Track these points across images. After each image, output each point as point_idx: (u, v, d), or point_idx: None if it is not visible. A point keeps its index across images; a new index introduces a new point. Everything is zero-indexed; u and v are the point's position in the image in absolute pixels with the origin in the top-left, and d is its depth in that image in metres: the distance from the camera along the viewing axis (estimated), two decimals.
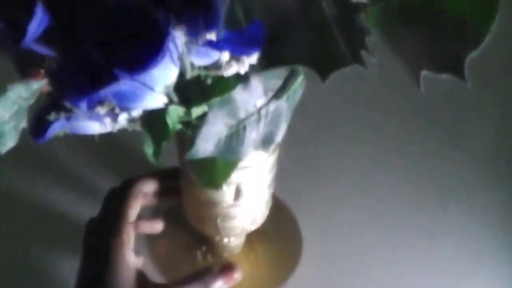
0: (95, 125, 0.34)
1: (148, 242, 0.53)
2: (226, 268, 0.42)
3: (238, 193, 0.42)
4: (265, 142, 0.34)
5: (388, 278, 0.53)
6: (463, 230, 0.57)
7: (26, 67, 0.32)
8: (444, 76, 0.23)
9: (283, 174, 0.58)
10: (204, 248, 0.53)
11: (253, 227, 0.46)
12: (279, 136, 0.35)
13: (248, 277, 0.52)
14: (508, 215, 0.58)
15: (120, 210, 0.41)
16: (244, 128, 0.33)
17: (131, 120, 0.34)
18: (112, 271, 0.37)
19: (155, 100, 0.29)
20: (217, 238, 0.49)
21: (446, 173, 0.63)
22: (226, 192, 0.42)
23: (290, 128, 0.61)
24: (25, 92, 0.32)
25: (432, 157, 0.65)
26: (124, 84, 0.25)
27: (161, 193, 0.46)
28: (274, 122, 0.34)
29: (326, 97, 0.71)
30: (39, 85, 0.32)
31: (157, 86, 0.28)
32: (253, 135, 0.34)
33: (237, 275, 0.43)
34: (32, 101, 0.33)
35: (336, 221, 0.57)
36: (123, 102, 0.28)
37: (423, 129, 0.67)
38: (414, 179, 0.62)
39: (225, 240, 0.49)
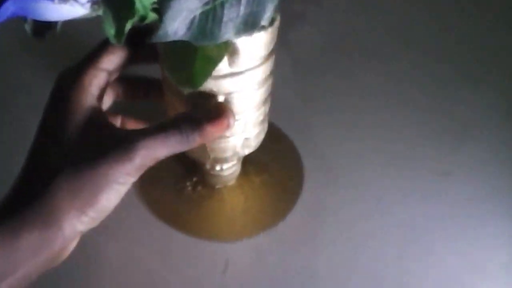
0: (49, 5, 0.29)
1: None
2: (215, 115, 0.34)
3: None
4: (248, 24, 0.29)
5: (396, 214, 0.47)
6: (480, 168, 0.51)
7: None
8: None
9: (284, 103, 0.53)
10: (194, 179, 0.48)
11: (246, 150, 0.41)
12: (265, 19, 0.29)
13: (243, 211, 0.47)
14: None
15: (89, 55, 0.35)
16: (222, 5, 0.28)
17: (94, 2, 0.30)
18: (62, 113, 0.32)
19: None
20: (208, 166, 0.45)
21: (464, 104, 0.57)
22: None
23: (292, 55, 0.55)
24: None
25: (449, 87, 0.58)
26: None
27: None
28: (258, 1, 0.28)
29: (334, 21, 0.66)
30: None
31: None
32: (233, 14, 0.28)
33: (228, 122, 0.34)
34: None
35: (341, 154, 0.52)
36: None
37: (440, 58, 0.61)
38: (427, 111, 0.56)
39: (217, 168, 0.45)
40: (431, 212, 0.47)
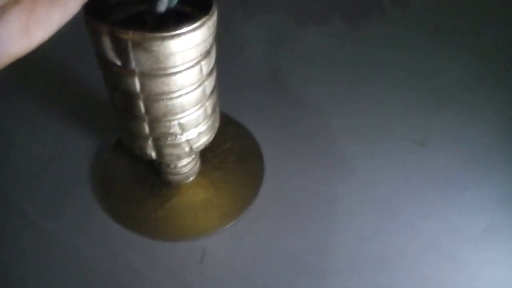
0: None
1: (91, 178, 0.48)
2: None
3: None
4: None
5: (371, 186, 0.46)
6: (458, 132, 0.49)
7: None
8: None
9: (243, 95, 0.52)
10: (150, 181, 0.47)
11: (196, 148, 0.40)
12: None
13: (207, 206, 0.46)
14: (507, 114, 0.49)
15: None
16: None
17: None
18: None
19: None
20: (163, 166, 0.44)
21: (441, 68, 0.55)
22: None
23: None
24: None
25: (425, 52, 0.56)
26: None
27: None
28: None
29: None
30: None
31: None
32: None
33: None
34: None
35: (307, 128, 0.50)
36: None
37: (416, 21, 0.59)
38: (404, 76, 0.54)
39: (171, 166, 0.44)
40: (408, 182, 0.46)
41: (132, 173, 0.48)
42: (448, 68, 0.55)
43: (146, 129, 0.37)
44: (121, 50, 0.32)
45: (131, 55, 0.32)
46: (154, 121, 0.36)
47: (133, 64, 0.32)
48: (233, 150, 0.49)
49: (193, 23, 0.32)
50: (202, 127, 0.39)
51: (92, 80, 0.54)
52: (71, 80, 0.55)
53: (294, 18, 0.62)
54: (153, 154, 0.40)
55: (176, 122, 0.37)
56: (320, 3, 0.63)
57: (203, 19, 0.32)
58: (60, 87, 0.55)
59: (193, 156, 0.44)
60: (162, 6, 0.33)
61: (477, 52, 0.56)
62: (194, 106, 0.37)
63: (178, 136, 0.38)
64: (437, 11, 0.61)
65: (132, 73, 0.33)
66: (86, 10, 0.32)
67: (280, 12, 0.63)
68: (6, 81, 0.56)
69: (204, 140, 0.40)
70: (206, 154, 0.47)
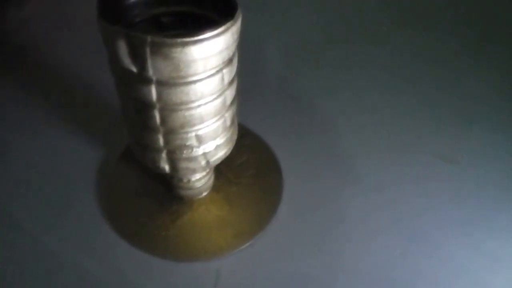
0: None
1: (96, 191, 0.45)
2: None
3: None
4: None
5: (399, 207, 0.43)
6: (490, 149, 0.47)
7: None
8: None
9: (259, 104, 0.50)
10: (160, 196, 0.44)
11: (212, 161, 0.38)
12: None
13: (221, 224, 0.43)
14: None
15: None
16: None
17: None
18: None
19: None
20: (175, 180, 0.41)
21: (472, 88, 0.52)
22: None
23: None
24: None
25: (453, 63, 0.54)
26: None
27: None
28: None
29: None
30: None
31: None
32: None
33: None
34: None
35: (331, 145, 0.48)
36: None
37: (445, 38, 0.56)
38: (435, 95, 0.51)
39: (184, 180, 0.41)
40: (437, 202, 0.43)
41: (140, 187, 0.46)
42: (477, 81, 0.52)
43: (161, 141, 0.35)
44: (138, 56, 0.29)
45: (149, 61, 0.29)
46: (170, 133, 0.34)
47: (150, 72, 0.30)
48: (250, 163, 0.46)
49: (216, 28, 0.29)
50: (220, 140, 0.37)
51: (97, 85, 0.52)
52: (75, 85, 0.53)
53: (313, 26, 0.60)
54: (167, 168, 0.37)
55: (193, 134, 0.34)
56: (341, 10, 0.61)
57: (227, 24, 0.30)
58: (62, 92, 0.53)
59: (208, 170, 0.42)
60: None
61: (507, 68, 0.54)
62: (213, 117, 0.34)
63: (194, 149, 0.35)
64: (468, 24, 0.59)
65: (148, 81, 0.31)
66: (100, 11, 0.30)
67: (298, 19, 0.61)
68: (4, 86, 0.53)
69: (221, 153, 0.38)
70: (220, 168, 0.44)
